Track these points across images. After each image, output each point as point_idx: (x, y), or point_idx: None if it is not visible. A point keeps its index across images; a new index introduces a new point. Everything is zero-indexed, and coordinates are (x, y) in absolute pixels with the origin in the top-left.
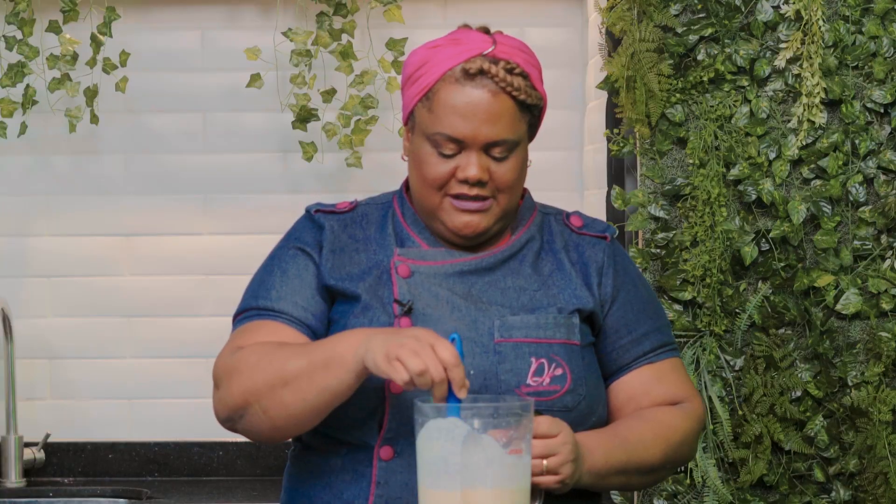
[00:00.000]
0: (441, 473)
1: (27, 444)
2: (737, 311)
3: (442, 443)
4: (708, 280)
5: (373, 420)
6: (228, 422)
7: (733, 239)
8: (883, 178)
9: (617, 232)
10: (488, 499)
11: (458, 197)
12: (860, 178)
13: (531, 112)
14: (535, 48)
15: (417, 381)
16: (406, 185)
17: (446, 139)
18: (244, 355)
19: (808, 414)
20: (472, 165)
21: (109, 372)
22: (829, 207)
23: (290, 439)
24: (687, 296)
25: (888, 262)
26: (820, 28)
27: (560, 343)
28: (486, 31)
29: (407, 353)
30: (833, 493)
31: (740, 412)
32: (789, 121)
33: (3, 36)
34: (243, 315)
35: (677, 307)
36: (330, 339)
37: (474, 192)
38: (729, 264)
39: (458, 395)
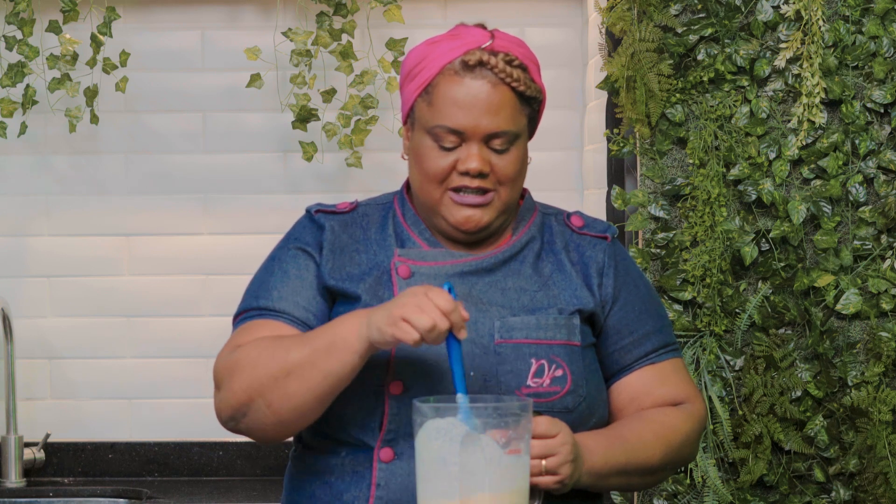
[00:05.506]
0: (439, 474)
1: (27, 444)
2: (737, 311)
3: (440, 443)
4: (708, 280)
5: (373, 421)
6: (231, 421)
7: (733, 239)
8: (883, 178)
9: (617, 232)
10: (487, 499)
11: (459, 190)
12: (860, 178)
13: (531, 105)
14: (535, 48)
15: (427, 336)
16: (407, 185)
17: (447, 131)
18: (244, 352)
19: (808, 414)
20: (473, 157)
21: (109, 372)
22: (829, 207)
23: (291, 439)
24: (687, 296)
25: (888, 262)
26: (820, 28)
27: (560, 344)
28: (483, 27)
29: (411, 311)
30: (833, 493)
31: (740, 412)
32: (789, 121)
33: (3, 36)
34: (244, 315)
35: (677, 307)
36: (329, 325)
37: (476, 184)
38: (729, 264)
39: (458, 337)
